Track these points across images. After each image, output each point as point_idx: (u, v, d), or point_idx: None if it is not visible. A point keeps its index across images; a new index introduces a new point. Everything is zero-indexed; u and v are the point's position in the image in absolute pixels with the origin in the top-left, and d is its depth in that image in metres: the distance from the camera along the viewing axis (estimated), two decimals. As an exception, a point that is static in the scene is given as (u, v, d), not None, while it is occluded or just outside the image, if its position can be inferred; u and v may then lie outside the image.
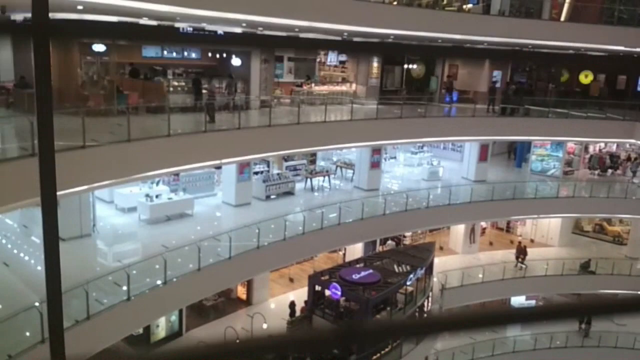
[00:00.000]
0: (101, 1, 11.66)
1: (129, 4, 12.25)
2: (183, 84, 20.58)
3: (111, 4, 11.90)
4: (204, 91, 18.44)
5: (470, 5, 25.08)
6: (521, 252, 26.73)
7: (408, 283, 19.91)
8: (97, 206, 19.33)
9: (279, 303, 22.49)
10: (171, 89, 19.26)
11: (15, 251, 16.80)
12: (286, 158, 25.34)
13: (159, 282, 14.75)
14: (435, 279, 23.30)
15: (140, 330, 18.36)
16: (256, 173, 23.28)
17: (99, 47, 19.81)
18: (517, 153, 31.44)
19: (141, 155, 13.41)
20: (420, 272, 20.59)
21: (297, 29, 18.13)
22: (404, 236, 27.67)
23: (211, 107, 16.80)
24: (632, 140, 24.92)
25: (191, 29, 18.07)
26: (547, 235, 30.81)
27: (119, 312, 13.53)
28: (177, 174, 22.19)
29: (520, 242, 27.78)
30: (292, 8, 16.02)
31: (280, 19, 16.12)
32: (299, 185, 24.10)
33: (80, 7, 12.15)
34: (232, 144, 16.02)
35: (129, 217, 19.68)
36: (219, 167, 22.91)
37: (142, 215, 19.39)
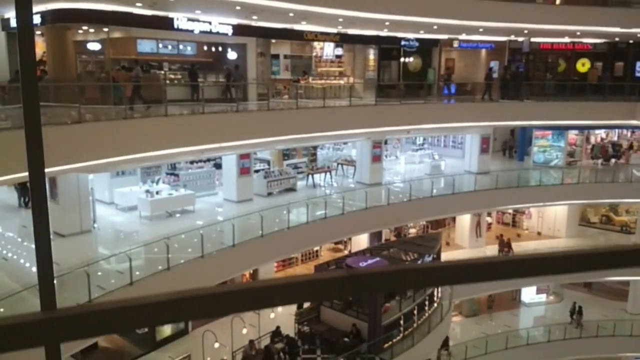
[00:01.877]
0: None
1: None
2: (179, 76, 20.46)
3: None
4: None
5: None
6: (505, 246, 26.23)
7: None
8: (97, 207, 19.07)
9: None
10: (167, 81, 19.10)
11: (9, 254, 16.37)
12: (286, 156, 25.17)
13: (160, 267, 14.38)
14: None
15: (146, 329, 17.89)
16: (257, 171, 23.03)
17: (94, 46, 19.73)
18: (519, 146, 31.23)
19: (138, 133, 13.17)
20: (428, 260, 20.15)
21: (291, 14, 18.06)
22: (408, 231, 27.33)
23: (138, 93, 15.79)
24: (634, 122, 24.70)
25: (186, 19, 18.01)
26: (553, 227, 30.40)
27: (121, 297, 13.09)
28: (177, 174, 22.01)
29: (502, 235, 27.30)
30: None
31: (275, 1, 16.03)
32: (301, 183, 23.85)
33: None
34: (231, 127, 15.78)
35: (130, 215, 19.38)
36: (219, 167, 22.74)
37: (143, 212, 19.06)
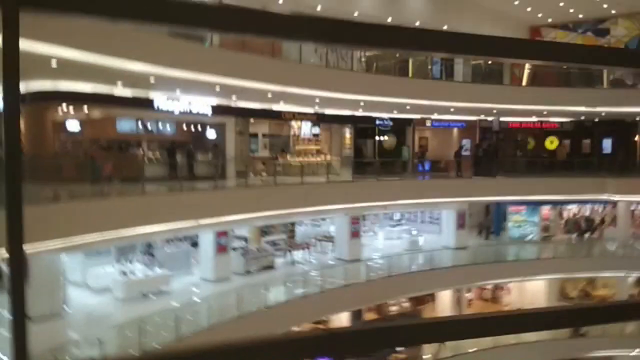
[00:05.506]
0: (74, 58, 11.80)
1: (103, 61, 12.44)
2: (158, 155, 20.58)
3: (84, 61, 12.06)
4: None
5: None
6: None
7: (398, 349, 19.07)
8: (69, 289, 18.49)
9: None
10: (146, 160, 19.21)
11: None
12: (265, 233, 25.02)
13: (131, 351, 13.82)
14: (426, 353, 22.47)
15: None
16: (234, 249, 22.77)
17: (72, 126, 19.89)
18: (494, 222, 31.62)
19: (115, 211, 13.05)
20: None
21: (270, 94, 18.60)
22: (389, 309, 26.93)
23: None
24: (605, 196, 25.37)
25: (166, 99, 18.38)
26: (533, 302, 30.27)
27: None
28: (152, 254, 21.62)
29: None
30: (267, 72, 16.54)
31: (255, 83, 16.54)
32: (279, 260, 23.59)
33: (54, 66, 12.31)
34: (209, 204, 15.77)
35: (103, 296, 18.79)
36: (196, 245, 22.44)
37: (117, 294, 18.51)
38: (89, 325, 16.29)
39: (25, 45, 10.03)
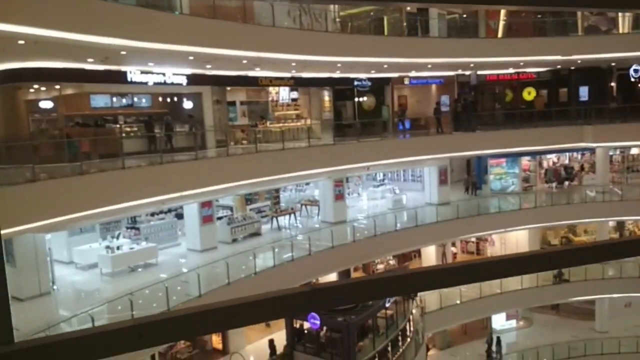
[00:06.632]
0: (42, 33, 11.47)
1: (73, 36, 12.12)
2: (136, 129, 20.37)
3: (52, 36, 11.73)
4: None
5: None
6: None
7: (387, 305, 19.45)
8: (56, 267, 18.47)
9: (257, 348, 21.53)
10: (123, 135, 18.99)
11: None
12: (249, 201, 25.07)
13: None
14: (414, 304, 22.93)
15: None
16: (219, 218, 22.82)
17: (46, 104, 19.49)
18: (476, 175, 31.97)
19: (96, 188, 12.94)
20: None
21: (245, 61, 18.33)
22: (376, 267, 27.38)
23: None
24: (583, 144, 25.72)
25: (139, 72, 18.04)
26: (516, 252, 30.91)
27: None
28: (137, 228, 21.59)
29: None
30: (240, 38, 16.26)
31: (228, 50, 16.28)
32: (265, 227, 23.73)
33: (21, 42, 11.96)
34: (190, 175, 15.70)
35: (90, 273, 18.81)
36: (180, 217, 22.45)
37: (104, 269, 18.53)
38: (79, 302, 16.37)
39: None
